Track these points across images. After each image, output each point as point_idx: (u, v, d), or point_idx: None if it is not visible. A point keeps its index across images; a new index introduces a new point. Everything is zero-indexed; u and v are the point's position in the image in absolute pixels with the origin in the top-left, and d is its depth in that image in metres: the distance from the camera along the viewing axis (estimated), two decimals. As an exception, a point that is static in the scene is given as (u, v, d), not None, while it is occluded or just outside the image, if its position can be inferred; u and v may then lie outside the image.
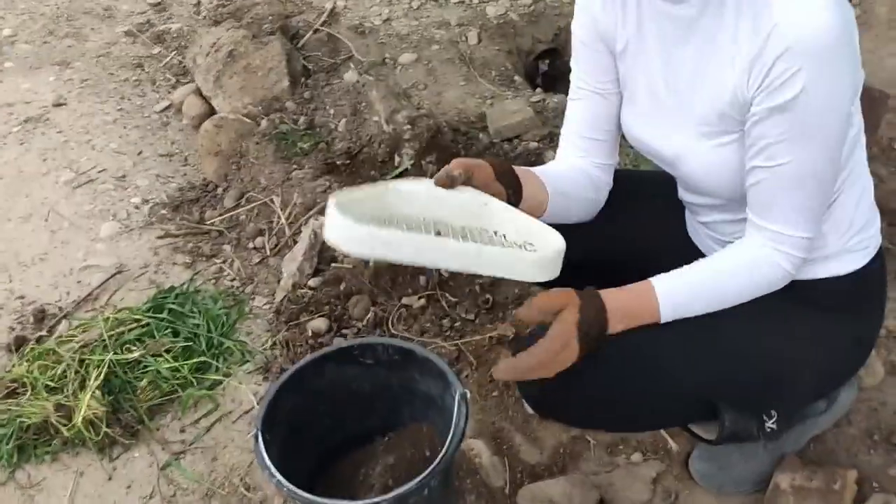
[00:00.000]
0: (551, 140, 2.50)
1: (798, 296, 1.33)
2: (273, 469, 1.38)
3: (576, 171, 1.44)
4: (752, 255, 1.26)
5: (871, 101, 1.95)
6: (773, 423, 1.46)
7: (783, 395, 1.46)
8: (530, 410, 1.73)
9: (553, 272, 1.15)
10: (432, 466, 1.36)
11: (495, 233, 1.18)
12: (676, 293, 1.25)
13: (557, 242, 1.15)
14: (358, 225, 1.02)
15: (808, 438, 1.64)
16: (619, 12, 1.33)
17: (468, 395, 1.47)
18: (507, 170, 1.25)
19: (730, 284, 1.26)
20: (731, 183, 1.29)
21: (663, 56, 1.29)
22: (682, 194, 1.49)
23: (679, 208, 1.54)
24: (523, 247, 1.15)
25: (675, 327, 1.19)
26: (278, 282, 2.19)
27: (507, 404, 1.81)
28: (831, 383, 1.54)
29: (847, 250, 1.35)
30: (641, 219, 1.54)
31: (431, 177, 1.19)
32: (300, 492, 1.33)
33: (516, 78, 2.91)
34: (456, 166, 1.17)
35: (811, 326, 1.37)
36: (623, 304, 1.23)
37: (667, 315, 1.25)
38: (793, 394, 1.47)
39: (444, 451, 1.38)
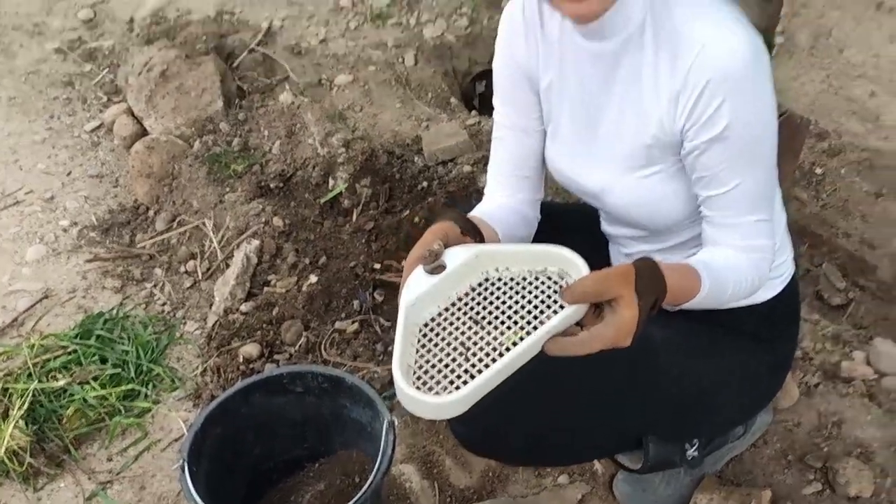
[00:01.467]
0: (485, 164, 2.51)
1: (721, 325, 1.38)
2: (199, 501, 1.37)
3: (508, 211, 1.45)
4: (744, 261, 1.27)
5: (794, 128, 1.94)
6: (694, 451, 1.51)
7: (707, 426, 1.52)
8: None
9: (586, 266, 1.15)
10: (359, 494, 1.37)
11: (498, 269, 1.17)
12: (712, 283, 1.21)
13: (562, 254, 1.17)
14: (445, 399, 1.02)
15: (727, 460, 1.70)
16: (541, 50, 1.34)
17: (396, 422, 1.48)
18: (467, 221, 1.25)
19: (739, 281, 1.26)
20: (655, 214, 1.33)
21: (587, 91, 1.31)
22: (606, 227, 1.51)
23: (603, 241, 1.57)
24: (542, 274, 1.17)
25: (612, 360, 1.15)
26: (210, 306, 2.17)
27: (439, 428, 1.83)
28: (752, 410, 1.60)
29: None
30: None
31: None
32: (226, 525, 1.33)
33: (452, 100, 2.93)
34: (432, 239, 1.17)
35: (734, 357, 1.43)
36: (676, 284, 1.17)
37: (694, 303, 1.22)
38: (716, 424, 1.54)
39: (371, 478, 1.40)
